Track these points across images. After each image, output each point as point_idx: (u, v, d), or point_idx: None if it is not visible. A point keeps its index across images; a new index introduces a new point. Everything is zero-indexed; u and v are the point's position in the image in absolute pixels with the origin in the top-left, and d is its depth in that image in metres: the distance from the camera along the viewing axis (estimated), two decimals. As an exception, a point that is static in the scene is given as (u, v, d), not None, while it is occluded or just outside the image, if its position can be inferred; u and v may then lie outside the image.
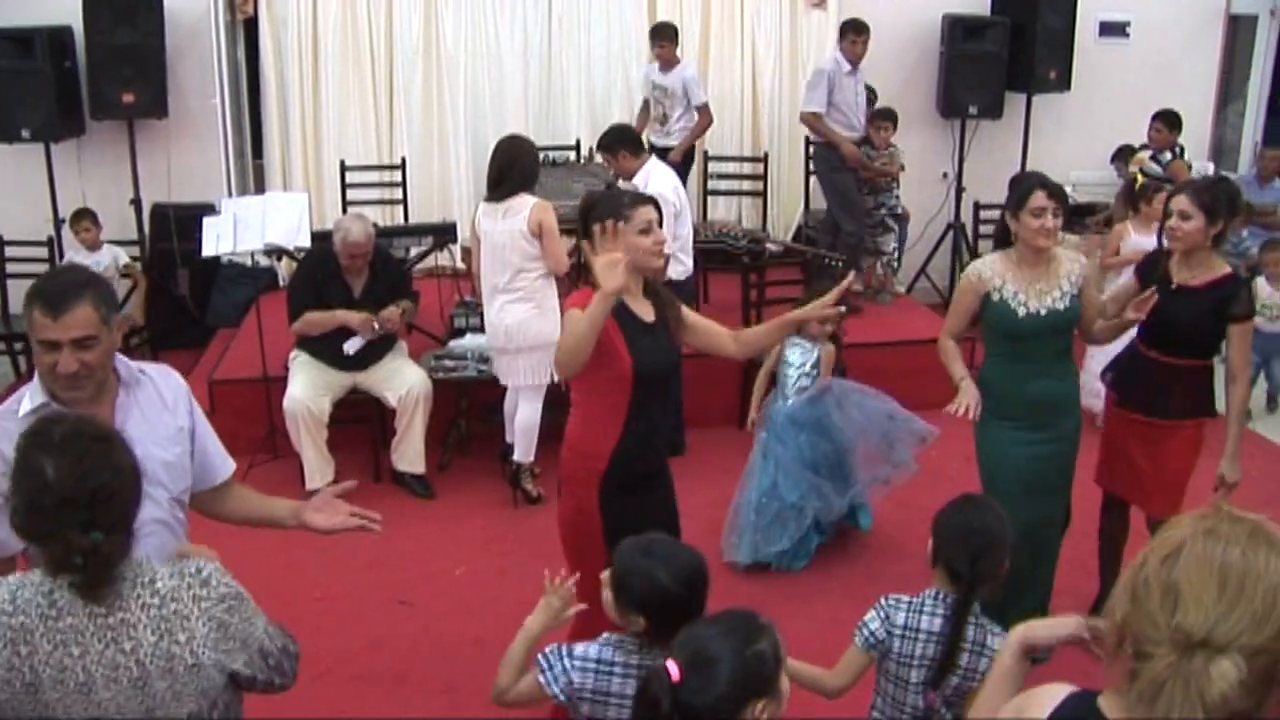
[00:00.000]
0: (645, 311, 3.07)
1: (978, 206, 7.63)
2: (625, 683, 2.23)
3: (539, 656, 2.32)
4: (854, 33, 6.60)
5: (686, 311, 3.20)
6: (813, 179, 7.76)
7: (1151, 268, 3.79)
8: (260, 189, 7.40)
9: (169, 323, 7.01)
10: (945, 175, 7.94)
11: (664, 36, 6.91)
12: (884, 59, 7.26)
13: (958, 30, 7.57)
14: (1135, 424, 3.80)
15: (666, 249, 4.22)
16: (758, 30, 7.75)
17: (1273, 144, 7.89)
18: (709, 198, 7.67)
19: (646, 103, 7.20)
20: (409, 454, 5.26)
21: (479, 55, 7.48)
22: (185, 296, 7.05)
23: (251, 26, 7.35)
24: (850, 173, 6.69)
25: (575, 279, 4.96)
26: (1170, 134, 6.98)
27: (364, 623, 4.22)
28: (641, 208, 3.02)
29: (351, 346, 5.10)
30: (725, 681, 1.77)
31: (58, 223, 6.82)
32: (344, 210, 6.66)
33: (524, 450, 5.12)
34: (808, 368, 4.60)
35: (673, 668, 1.79)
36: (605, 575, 2.30)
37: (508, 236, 4.85)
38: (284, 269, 7.05)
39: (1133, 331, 3.82)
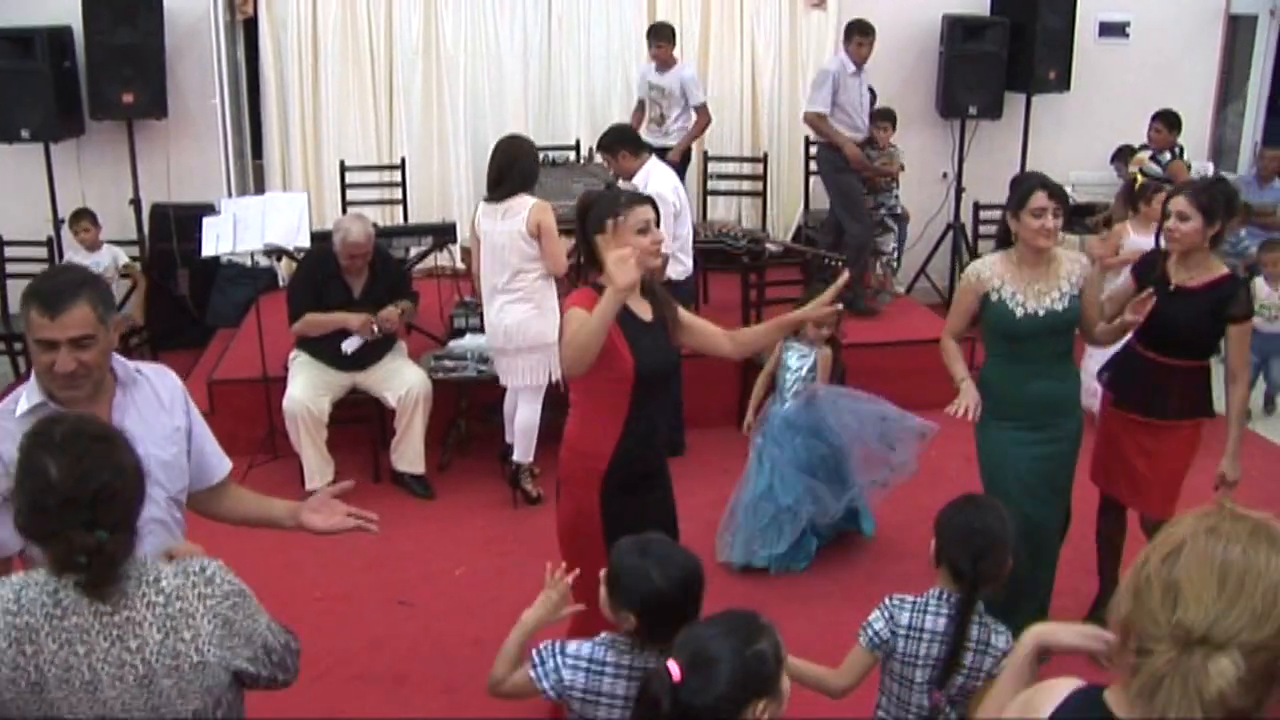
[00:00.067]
0: (644, 311, 3.07)
1: (977, 207, 7.64)
2: (616, 683, 2.24)
3: (533, 651, 2.32)
4: (860, 34, 6.59)
5: (682, 312, 3.20)
6: (813, 179, 7.77)
7: (1148, 268, 3.79)
8: (260, 189, 7.40)
9: (169, 323, 7.01)
10: (945, 175, 7.94)
11: (661, 37, 6.90)
12: (884, 59, 7.24)
13: (957, 30, 7.57)
14: (1132, 424, 3.80)
15: (666, 249, 4.23)
16: (757, 30, 7.75)
17: (1272, 144, 7.90)
18: (708, 198, 7.67)
19: (641, 103, 7.19)
20: (408, 454, 5.26)
21: (479, 55, 7.48)
22: (185, 296, 7.05)
23: (251, 27, 7.35)
24: (854, 174, 6.68)
25: (575, 279, 4.95)
26: (1170, 134, 6.98)
27: (363, 623, 4.22)
28: (638, 207, 3.02)
29: (350, 345, 5.10)
30: (726, 682, 1.78)
31: (57, 223, 6.82)
32: (344, 210, 6.67)
33: (523, 450, 5.12)
34: (804, 371, 4.60)
35: (673, 668, 1.79)
36: (603, 573, 2.30)
37: (506, 237, 4.85)
38: (284, 269, 7.05)
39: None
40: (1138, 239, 5.40)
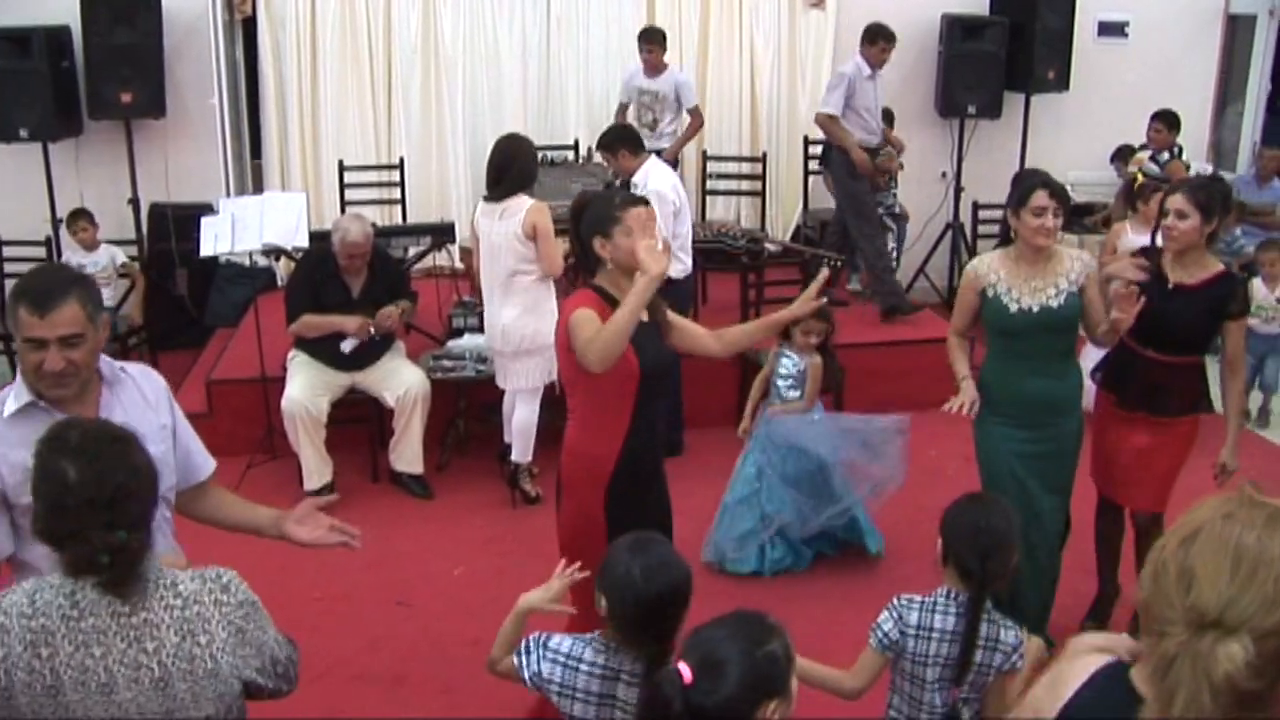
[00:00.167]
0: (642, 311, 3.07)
1: (976, 206, 7.63)
2: (590, 680, 2.26)
3: (523, 640, 2.36)
4: (885, 40, 6.57)
5: (670, 313, 3.21)
6: (812, 179, 7.78)
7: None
8: (258, 189, 7.39)
9: (167, 322, 7.00)
10: (944, 175, 7.93)
11: (652, 40, 6.88)
12: (883, 58, 7.26)
13: (956, 30, 7.56)
14: (1130, 421, 3.80)
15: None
16: (756, 30, 7.74)
17: (1271, 144, 7.90)
18: (707, 197, 7.67)
19: (623, 107, 7.13)
20: (407, 454, 5.25)
21: (477, 55, 7.47)
22: (183, 296, 7.04)
23: (250, 26, 7.35)
24: (864, 180, 6.65)
25: (573, 280, 4.95)
26: (1169, 134, 6.99)
27: (362, 623, 4.21)
28: (633, 209, 3.01)
29: (349, 344, 5.09)
30: (736, 683, 1.79)
31: (55, 223, 6.80)
32: (342, 210, 6.65)
33: (521, 450, 5.11)
34: (792, 379, 4.60)
35: (684, 670, 1.80)
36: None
37: (503, 238, 4.84)
38: (282, 269, 7.04)
39: None
40: (1136, 238, 5.40)
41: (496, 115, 7.46)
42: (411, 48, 7.37)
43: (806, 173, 7.74)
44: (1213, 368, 3.82)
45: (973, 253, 7.30)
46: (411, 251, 6.12)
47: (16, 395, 2.30)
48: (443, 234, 6.13)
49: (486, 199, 4.97)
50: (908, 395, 4.73)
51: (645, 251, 2.83)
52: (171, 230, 6.85)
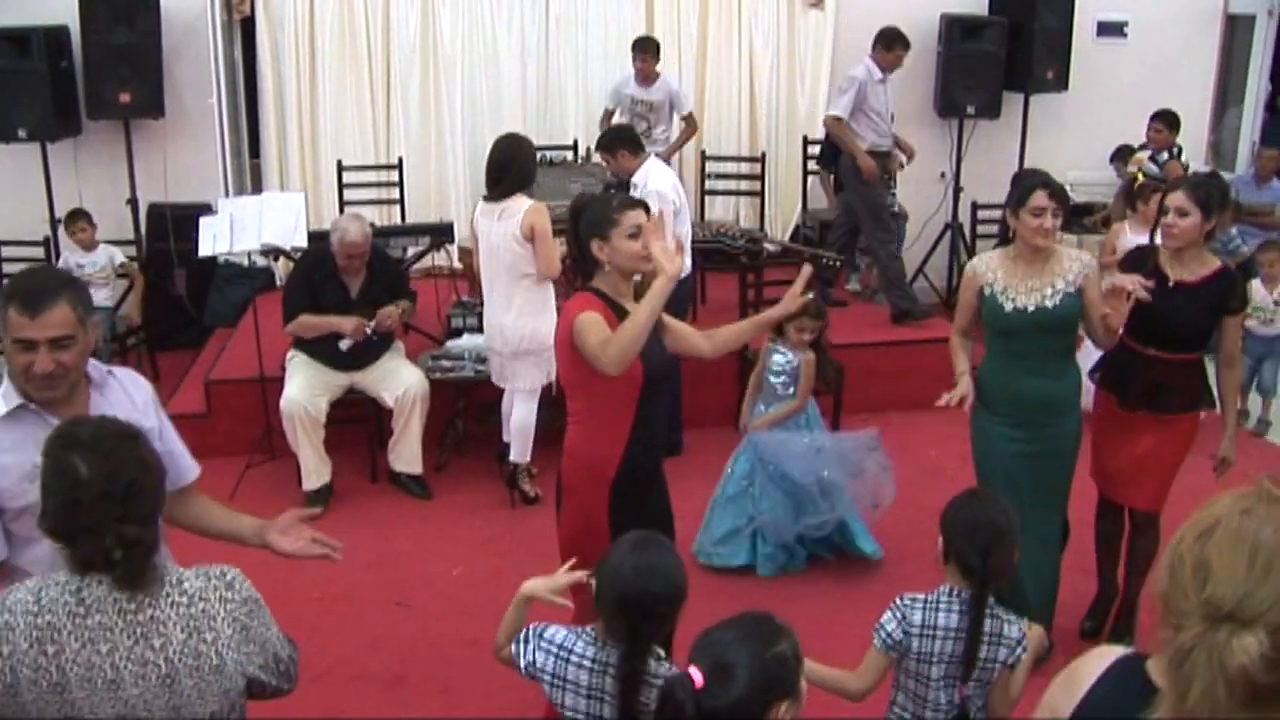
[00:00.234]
0: None
1: (975, 206, 7.63)
2: (579, 672, 2.29)
3: (523, 629, 2.39)
4: (901, 47, 6.55)
5: (662, 315, 3.21)
6: (811, 179, 7.78)
7: (1138, 265, 3.78)
8: (257, 189, 7.40)
9: (166, 323, 7.00)
10: (943, 175, 7.93)
11: (647, 50, 6.86)
12: (882, 59, 7.25)
13: (955, 30, 7.56)
14: (1131, 420, 3.79)
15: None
16: (755, 30, 7.74)
17: (1270, 144, 7.90)
18: (706, 198, 7.67)
19: (608, 114, 7.09)
20: (406, 454, 5.25)
21: (476, 55, 7.47)
22: (182, 296, 7.04)
23: (248, 26, 7.34)
24: (878, 185, 6.61)
25: (571, 281, 4.95)
26: (1169, 134, 6.99)
27: (361, 623, 4.21)
28: (630, 211, 3.00)
29: (346, 342, 5.09)
30: (747, 686, 1.80)
31: (54, 223, 6.79)
32: (341, 210, 6.65)
33: (520, 450, 5.11)
34: (785, 376, 4.60)
35: (696, 674, 1.81)
36: None
37: (501, 239, 4.84)
38: (281, 269, 7.04)
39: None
40: (1135, 238, 5.40)
41: (495, 115, 7.46)
42: (410, 47, 7.37)
43: (806, 173, 7.74)
44: (1209, 365, 3.84)
45: (972, 253, 7.30)
46: (410, 251, 6.12)
47: (5, 398, 2.30)
48: (441, 234, 6.13)
49: (486, 199, 4.97)
50: (908, 395, 4.73)
51: (660, 253, 2.84)
52: (170, 230, 6.85)
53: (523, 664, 2.35)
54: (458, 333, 5.82)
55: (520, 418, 5.05)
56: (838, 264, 6.07)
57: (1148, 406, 3.76)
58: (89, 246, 6.59)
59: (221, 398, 5.64)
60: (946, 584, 2.62)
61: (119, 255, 6.75)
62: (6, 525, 2.29)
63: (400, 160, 7.27)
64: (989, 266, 3.67)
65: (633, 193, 5.12)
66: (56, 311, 2.20)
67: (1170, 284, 3.66)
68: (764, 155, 7.61)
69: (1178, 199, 3.63)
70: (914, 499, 4.62)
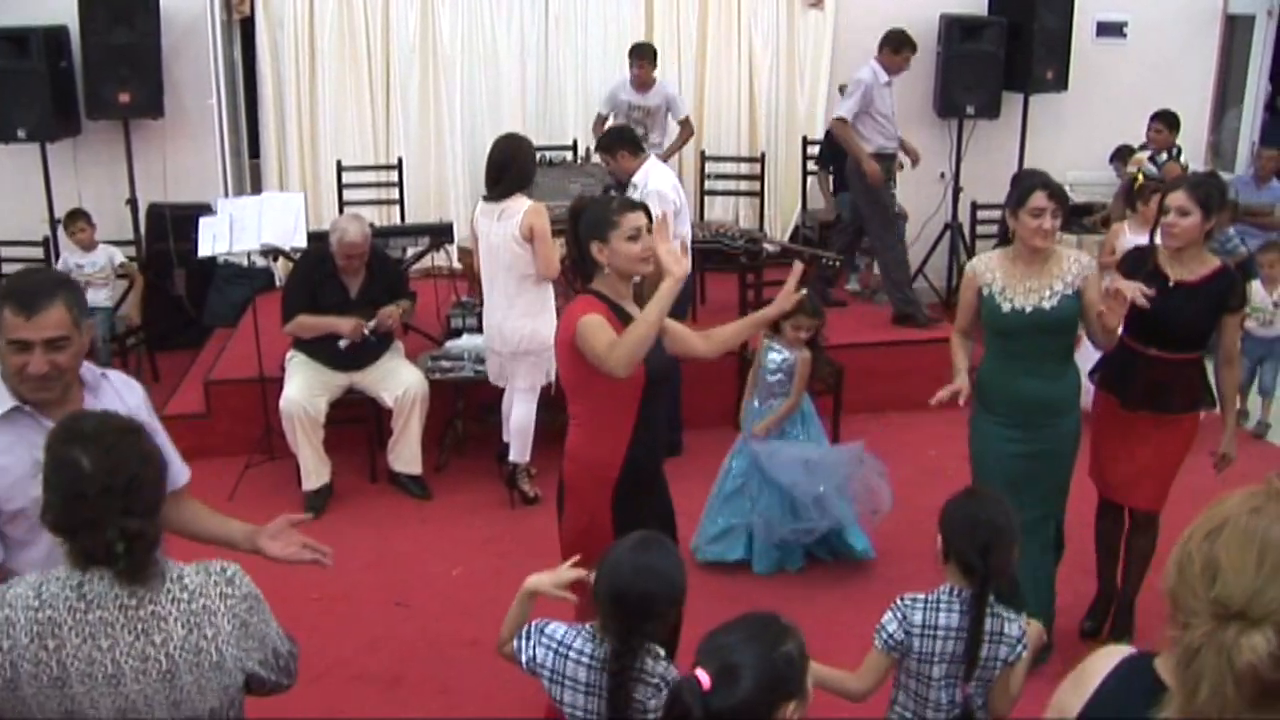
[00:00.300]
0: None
1: (975, 206, 7.63)
2: (578, 668, 2.30)
3: (525, 625, 2.40)
4: (910, 50, 6.54)
5: None
6: (810, 179, 7.78)
7: (1138, 265, 3.78)
8: (256, 189, 7.39)
9: (165, 323, 7.00)
10: (942, 175, 7.93)
11: (644, 56, 6.85)
12: (882, 59, 7.25)
13: (955, 30, 7.57)
14: (1138, 422, 3.79)
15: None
16: (755, 30, 7.74)
17: (1270, 144, 7.90)
18: (706, 198, 7.67)
19: (601, 119, 7.07)
20: (405, 455, 5.25)
21: (476, 55, 7.47)
22: (182, 297, 7.04)
23: (248, 26, 7.34)
24: (885, 188, 6.58)
25: (571, 282, 4.95)
26: (1169, 134, 6.99)
27: (361, 624, 4.21)
28: (630, 214, 3.00)
29: (344, 342, 5.09)
30: (754, 687, 1.80)
31: (53, 223, 6.79)
32: (340, 210, 6.65)
33: (519, 450, 5.10)
34: (781, 374, 4.60)
35: (703, 676, 1.81)
36: None
37: (501, 239, 4.84)
38: (280, 269, 7.04)
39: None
40: (1134, 239, 5.40)
41: (495, 115, 7.46)
42: (410, 48, 7.37)
43: (805, 173, 7.74)
44: (1207, 364, 3.84)
45: (971, 253, 7.30)
46: (410, 252, 6.11)
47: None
48: (441, 234, 6.13)
49: (486, 199, 4.97)
50: (908, 395, 4.73)
51: (666, 254, 2.85)
52: (170, 230, 6.84)
53: (524, 659, 2.36)
54: (457, 333, 5.82)
55: (519, 417, 5.05)
56: (837, 264, 6.07)
57: (1148, 406, 3.76)
58: (88, 247, 6.58)
59: (221, 398, 5.64)
60: (947, 583, 2.61)
61: (118, 255, 6.75)
62: (2, 528, 2.28)
63: (400, 160, 7.27)
64: (988, 267, 3.67)
65: (632, 193, 5.13)
66: (52, 312, 2.20)
67: (1170, 284, 3.66)
68: (763, 155, 7.62)
69: (1178, 198, 3.63)
70: (913, 499, 4.62)
